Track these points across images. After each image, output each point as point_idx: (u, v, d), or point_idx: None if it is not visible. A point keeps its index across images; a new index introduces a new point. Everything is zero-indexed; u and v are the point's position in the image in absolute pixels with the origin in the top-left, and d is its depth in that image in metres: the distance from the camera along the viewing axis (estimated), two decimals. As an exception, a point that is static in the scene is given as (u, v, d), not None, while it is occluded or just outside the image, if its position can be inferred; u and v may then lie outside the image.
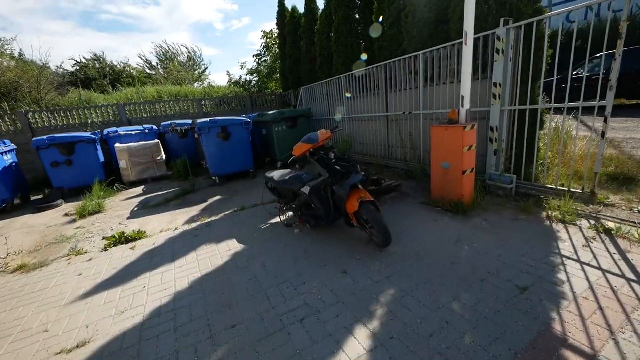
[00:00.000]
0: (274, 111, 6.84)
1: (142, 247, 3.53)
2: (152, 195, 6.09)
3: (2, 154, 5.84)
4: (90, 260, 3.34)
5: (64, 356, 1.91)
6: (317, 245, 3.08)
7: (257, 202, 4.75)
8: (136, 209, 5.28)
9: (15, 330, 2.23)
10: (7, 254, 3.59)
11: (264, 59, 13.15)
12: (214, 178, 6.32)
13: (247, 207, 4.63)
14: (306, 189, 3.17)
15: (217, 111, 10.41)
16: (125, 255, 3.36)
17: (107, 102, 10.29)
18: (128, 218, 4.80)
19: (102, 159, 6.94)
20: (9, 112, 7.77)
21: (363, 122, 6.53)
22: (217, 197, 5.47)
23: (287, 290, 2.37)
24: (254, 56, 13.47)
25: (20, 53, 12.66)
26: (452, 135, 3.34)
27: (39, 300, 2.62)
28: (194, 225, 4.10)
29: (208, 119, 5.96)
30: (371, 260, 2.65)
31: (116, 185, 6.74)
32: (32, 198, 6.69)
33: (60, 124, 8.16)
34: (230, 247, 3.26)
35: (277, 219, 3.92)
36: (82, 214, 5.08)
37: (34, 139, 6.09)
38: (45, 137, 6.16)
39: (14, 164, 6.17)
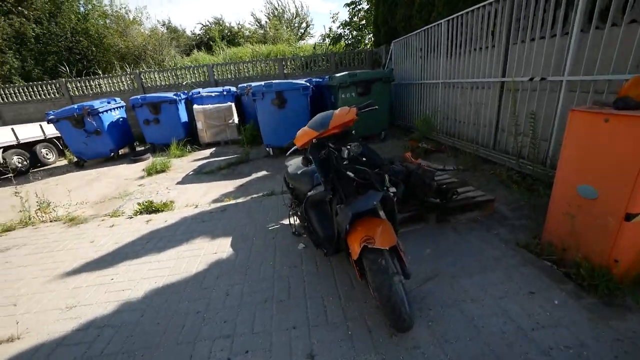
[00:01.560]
0: (343, 73, 5.70)
1: (154, 222, 3.46)
2: (213, 159, 6.28)
3: (111, 110, 7.06)
4: (112, 226, 3.50)
5: (-12, 351, 1.84)
6: (311, 280, 2.18)
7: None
8: (191, 173, 5.49)
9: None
10: (70, 205, 4.19)
11: (358, 6, 11.37)
12: (267, 149, 5.96)
13: (278, 192, 4.02)
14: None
15: (300, 72, 9.90)
16: (136, 229, 3.35)
17: (201, 63, 11.23)
18: (177, 183, 5.00)
19: (183, 119, 7.59)
20: (128, 72, 9.35)
21: (462, 90, 4.65)
22: (263, 172, 5.10)
23: (219, 354, 1.65)
24: (345, 5, 11.88)
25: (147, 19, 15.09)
26: (621, 133, 1.62)
27: (39, 264, 2.81)
28: (214, 206, 3.81)
29: (263, 83, 5.43)
30: (371, 347, 1.59)
31: (191, 146, 7.32)
32: (137, 149, 8.08)
33: (164, 84, 9.38)
34: (219, 249, 2.74)
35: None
36: (150, 172, 5.64)
37: (131, 98, 7.07)
38: (139, 97, 7.07)
39: (121, 119, 7.42)
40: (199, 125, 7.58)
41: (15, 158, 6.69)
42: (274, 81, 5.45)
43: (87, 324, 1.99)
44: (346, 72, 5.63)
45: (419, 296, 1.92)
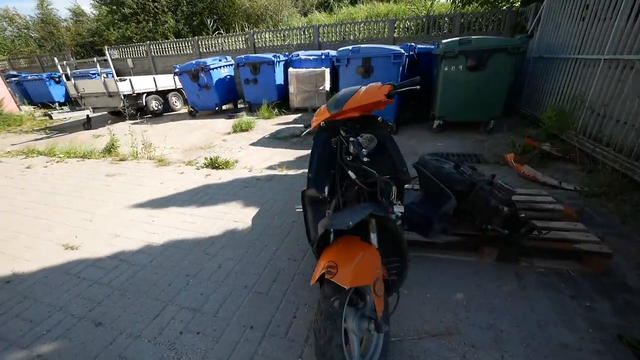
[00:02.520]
0: (451, 39, 4.67)
1: (211, 178, 3.86)
2: (292, 126, 6.49)
3: (221, 67, 8.06)
4: (181, 173, 4.10)
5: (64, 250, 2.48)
6: (300, 281, 2.00)
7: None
8: (267, 136, 5.85)
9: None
10: (164, 148, 5.12)
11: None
12: (345, 122, 5.68)
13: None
14: None
15: (414, 36, 8.80)
16: (195, 180, 3.81)
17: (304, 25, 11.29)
18: (251, 144, 5.41)
19: (278, 81, 8.00)
20: (244, 32, 10.34)
21: (636, 73, 3.12)
22: (330, 147, 4.94)
23: (177, 325, 1.71)
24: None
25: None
26: None
27: (124, 193, 3.55)
28: (265, 173, 3.95)
29: (349, 48, 5.03)
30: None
31: (281, 109, 7.72)
32: (239, 106, 9.14)
33: (272, 45, 10.01)
34: (241, 219, 2.82)
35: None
36: (235, 129, 6.31)
37: (237, 57, 7.83)
38: (243, 56, 7.77)
39: (228, 77, 8.41)
40: (291, 89, 7.85)
41: (153, 102, 8.59)
42: (362, 45, 4.97)
43: (116, 254, 2.41)
44: (454, 39, 4.59)
45: (408, 350, 1.48)
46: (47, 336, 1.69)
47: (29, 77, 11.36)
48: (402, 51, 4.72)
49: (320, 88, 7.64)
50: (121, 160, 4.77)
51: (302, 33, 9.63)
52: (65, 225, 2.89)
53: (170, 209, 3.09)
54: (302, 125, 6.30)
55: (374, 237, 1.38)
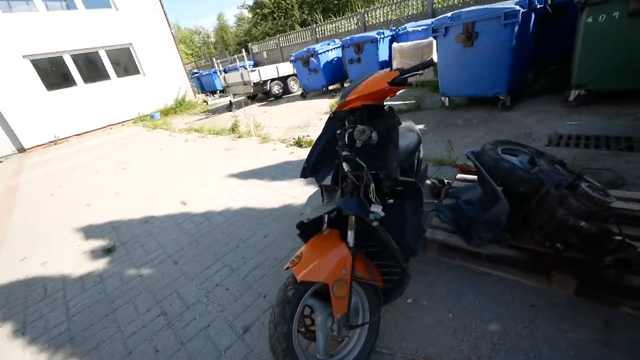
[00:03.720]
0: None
1: (294, 155, 4.10)
2: (391, 103, 5.97)
3: (328, 51, 8.14)
4: (274, 150, 4.53)
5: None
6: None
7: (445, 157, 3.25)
8: (359, 116, 5.66)
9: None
10: (270, 127, 5.73)
11: None
12: (442, 98, 4.82)
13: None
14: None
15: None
16: (282, 157, 4.12)
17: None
18: (341, 124, 5.39)
19: (382, 58, 7.43)
20: (356, 13, 9.93)
21: None
22: (420, 127, 4.28)
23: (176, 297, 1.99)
24: None
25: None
26: None
27: (230, 164, 4.23)
28: (339, 153, 3.88)
29: (449, 14, 4.08)
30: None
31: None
32: (345, 85, 9.11)
33: (382, 20, 9.29)
34: (298, 197, 2.91)
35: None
36: (331, 109, 6.38)
37: (342, 40, 7.69)
38: (348, 38, 7.55)
39: (335, 59, 8.42)
40: (394, 64, 7.19)
41: (275, 87, 9.62)
42: (463, 10, 3.95)
43: (206, 212, 2.96)
44: (612, -28, 3.03)
45: (392, 370, 1.24)
46: (149, 264, 2.30)
47: (204, 73, 14.70)
48: (517, 7, 3.47)
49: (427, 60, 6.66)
50: (239, 137, 5.66)
51: (413, 3, 8.48)
52: (188, 186, 3.73)
53: (253, 181, 3.50)
54: (400, 102, 5.76)
55: (350, 234, 1.18)
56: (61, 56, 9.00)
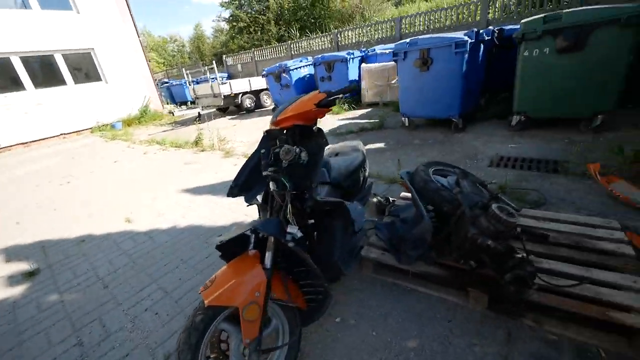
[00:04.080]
0: (534, 17, 3.52)
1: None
2: (357, 121, 6.25)
3: (300, 67, 8.39)
4: (235, 165, 4.51)
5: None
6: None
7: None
8: (326, 132, 5.76)
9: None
10: (235, 142, 5.72)
11: None
12: (403, 119, 5.10)
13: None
14: None
15: (521, 12, 7.10)
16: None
17: (407, 14, 10.44)
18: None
19: (351, 77, 7.76)
20: (329, 32, 10.40)
21: None
22: (379, 145, 4.56)
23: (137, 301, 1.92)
24: None
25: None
26: None
27: (189, 178, 4.15)
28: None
29: (407, 40, 4.42)
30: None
31: (351, 105, 7.53)
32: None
33: (354, 41, 9.78)
34: (249, 214, 2.91)
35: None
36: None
37: (314, 57, 7.99)
38: (320, 56, 7.86)
39: (307, 76, 8.68)
40: (363, 84, 7.55)
41: (247, 101, 9.68)
42: (420, 37, 4.30)
43: (150, 230, 2.87)
44: (540, 15, 3.46)
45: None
46: (75, 288, 2.17)
47: (174, 83, 14.50)
48: (465, 38, 3.84)
49: (393, 82, 7.06)
50: (202, 151, 5.59)
51: (382, 27, 9.04)
52: (136, 202, 3.60)
53: (207, 197, 3.45)
54: (365, 121, 6.00)
55: (268, 255, 1.21)
56: (8, 57, 8.51)
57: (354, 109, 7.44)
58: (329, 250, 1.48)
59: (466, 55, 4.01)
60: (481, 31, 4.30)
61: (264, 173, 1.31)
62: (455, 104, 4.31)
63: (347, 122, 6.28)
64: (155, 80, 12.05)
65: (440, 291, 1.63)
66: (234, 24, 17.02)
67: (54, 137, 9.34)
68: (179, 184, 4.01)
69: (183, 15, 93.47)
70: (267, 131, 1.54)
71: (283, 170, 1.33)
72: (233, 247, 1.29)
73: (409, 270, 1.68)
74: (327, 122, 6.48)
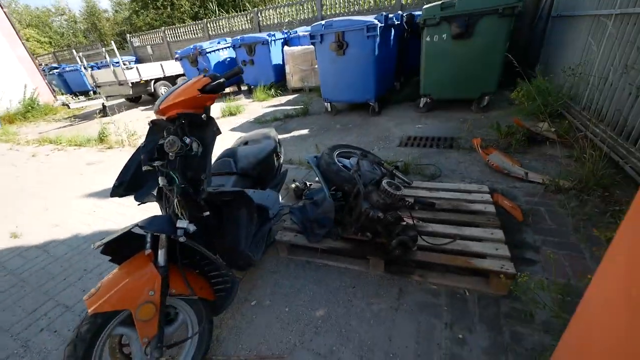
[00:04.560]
0: (432, 4, 3.98)
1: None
2: (281, 108, 6.27)
3: (219, 50, 7.95)
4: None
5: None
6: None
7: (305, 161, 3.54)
8: (251, 120, 5.72)
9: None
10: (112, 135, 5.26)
11: None
12: (325, 104, 5.32)
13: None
14: None
15: (424, 3, 7.79)
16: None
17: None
18: (231, 129, 5.34)
19: (275, 61, 7.68)
20: (248, 11, 10.00)
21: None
22: (304, 131, 4.70)
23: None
24: None
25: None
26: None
27: (94, 181, 3.73)
28: (222, 161, 3.87)
29: (323, 22, 4.57)
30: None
31: (277, 90, 7.48)
32: (243, 88, 9.05)
33: (276, 22, 9.59)
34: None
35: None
36: (224, 114, 6.28)
37: (232, 39, 7.64)
38: (239, 37, 7.55)
39: (228, 59, 8.29)
40: (287, 68, 7.55)
41: (162, 88, 8.84)
42: (335, 19, 4.48)
43: (45, 243, 2.55)
44: (438, 2, 3.92)
45: None
46: (-57, 323, 1.85)
47: (67, 69, 12.35)
48: (376, 22, 4.15)
49: (316, 66, 7.21)
50: (108, 148, 5.02)
51: (304, 7, 9.05)
52: (24, 214, 3.13)
53: (115, 200, 3.16)
54: (291, 107, 6.07)
55: (161, 253, 1.23)
56: None
57: (280, 95, 7.44)
58: (235, 239, 1.55)
59: (378, 39, 4.33)
60: (390, 15, 4.67)
61: (144, 168, 1.29)
62: (371, 88, 4.66)
63: (273, 109, 6.28)
64: (41, 65, 10.12)
65: (346, 262, 1.86)
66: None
67: None
68: (81, 188, 3.59)
69: (72, -17, 78.51)
70: (152, 122, 1.49)
71: (171, 163, 1.32)
72: (124, 249, 1.27)
73: (319, 247, 1.87)
74: (253, 110, 6.39)
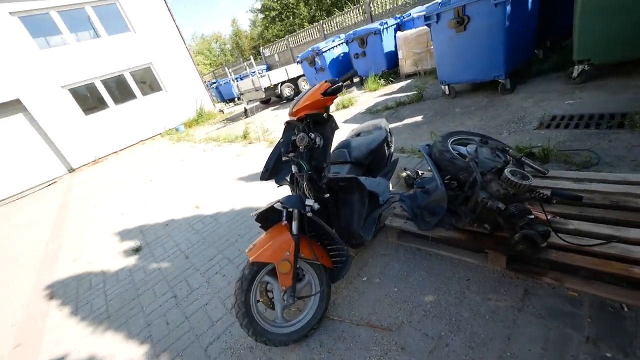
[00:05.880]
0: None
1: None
2: (394, 96, 6.16)
3: (333, 48, 8.36)
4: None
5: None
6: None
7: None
8: (363, 111, 5.87)
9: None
10: (276, 131, 6.16)
11: None
12: (442, 87, 4.90)
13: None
14: None
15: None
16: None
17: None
18: (344, 121, 5.64)
19: (387, 49, 7.53)
20: (355, 5, 10.02)
21: None
22: (417, 118, 4.52)
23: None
24: None
25: None
26: None
27: (237, 169, 4.72)
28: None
29: (439, 0, 4.18)
30: None
31: (389, 77, 7.36)
32: (355, 81, 9.30)
33: (387, 9, 9.30)
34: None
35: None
36: (338, 108, 6.66)
37: (346, 34, 7.89)
38: (351, 32, 7.74)
39: (341, 55, 8.62)
40: (400, 53, 7.28)
41: (286, 90, 10.07)
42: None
43: (215, 214, 3.44)
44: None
45: (340, 331, 1.57)
46: (166, 259, 2.84)
47: (222, 82, 15.63)
48: (507, -12, 3.49)
49: (432, 47, 6.65)
50: (250, 143, 6.17)
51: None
52: (204, 191, 4.28)
53: (255, 183, 3.93)
54: (403, 94, 5.87)
55: (294, 224, 1.52)
56: (93, 82, 10.25)
57: (392, 82, 7.26)
58: (348, 219, 1.75)
59: (508, 7, 3.66)
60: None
61: (284, 158, 1.61)
62: (500, 63, 3.99)
63: (385, 98, 6.21)
64: (205, 82, 13.17)
65: (460, 254, 1.76)
66: (267, 13, 17.35)
67: (135, 144, 11.09)
68: (233, 174, 4.59)
69: (219, 11, 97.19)
70: (287, 122, 1.83)
71: (300, 155, 1.60)
72: (269, 219, 1.63)
73: (430, 236, 1.84)
74: (365, 101, 6.50)
